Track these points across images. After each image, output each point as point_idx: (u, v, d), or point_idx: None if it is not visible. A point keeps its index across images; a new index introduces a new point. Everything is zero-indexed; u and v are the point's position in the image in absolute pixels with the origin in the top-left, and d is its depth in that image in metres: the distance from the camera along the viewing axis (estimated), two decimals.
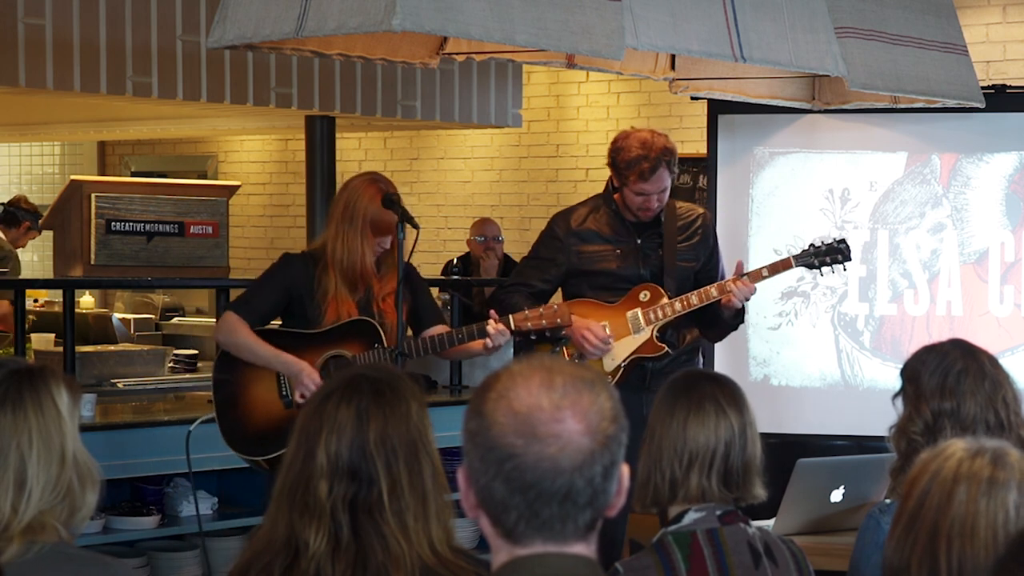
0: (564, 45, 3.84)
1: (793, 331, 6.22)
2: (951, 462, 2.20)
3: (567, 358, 5.04)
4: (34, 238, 9.40)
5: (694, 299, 5.01)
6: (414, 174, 11.02)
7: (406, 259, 4.60)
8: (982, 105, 5.21)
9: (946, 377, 3.28)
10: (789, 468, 4.26)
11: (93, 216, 6.68)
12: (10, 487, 2.48)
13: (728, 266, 5.25)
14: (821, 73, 4.89)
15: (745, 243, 6.16)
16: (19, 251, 9.38)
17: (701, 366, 5.52)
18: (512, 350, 7.02)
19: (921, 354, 3.36)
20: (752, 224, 6.26)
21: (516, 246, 9.62)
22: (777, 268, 5.11)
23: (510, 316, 4.65)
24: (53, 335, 7.37)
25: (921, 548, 2.17)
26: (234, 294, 5.77)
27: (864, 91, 4.85)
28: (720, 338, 5.39)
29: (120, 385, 6.40)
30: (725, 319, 5.08)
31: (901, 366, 3.42)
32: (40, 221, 8.60)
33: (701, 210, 5.31)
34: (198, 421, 5.03)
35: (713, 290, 5.00)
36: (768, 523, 4.18)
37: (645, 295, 5.05)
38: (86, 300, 9.35)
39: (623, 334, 5.03)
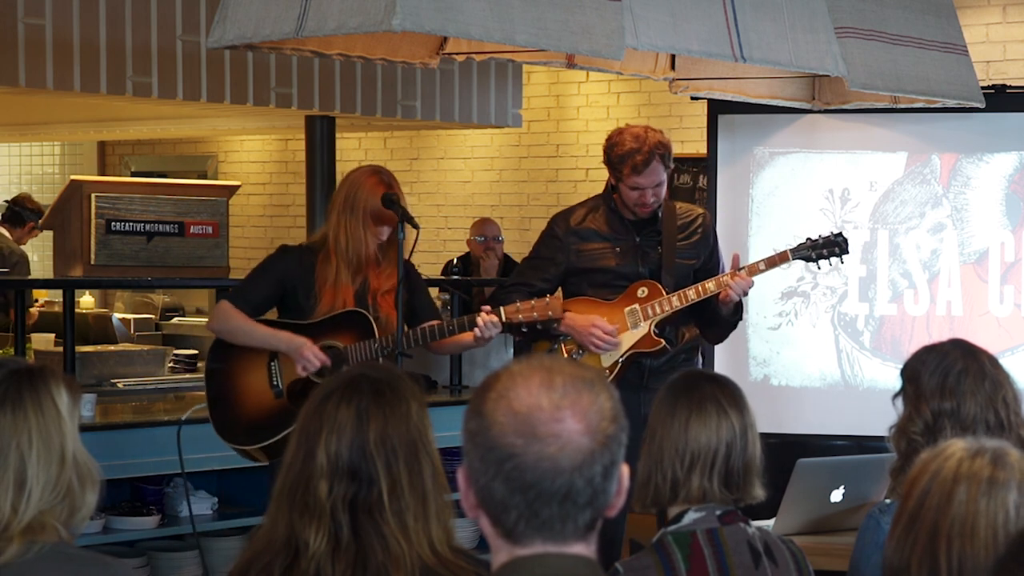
0: (564, 45, 3.84)
1: (793, 331, 6.22)
2: (951, 462, 2.20)
3: (565, 355, 5.05)
4: (35, 236, 9.40)
5: (691, 294, 5.01)
6: (414, 174, 11.02)
7: (406, 259, 4.61)
8: (982, 105, 5.21)
9: (946, 377, 3.28)
10: (789, 468, 4.26)
11: (93, 216, 6.68)
12: (10, 487, 2.48)
13: (726, 262, 5.26)
14: (821, 73, 4.89)
15: (745, 243, 6.16)
16: (27, 252, 9.39)
17: (700, 366, 5.52)
18: (512, 350, 7.04)
19: (921, 354, 3.36)
20: (752, 224, 6.26)
21: (516, 246, 9.62)
22: (774, 261, 5.11)
23: (501, 308, 4.65)
24: (53, 335, 7.37)
25: (921, 548, 2.17)
26: None
27: (864, 91, 4.85)
28: (720, 339, 5.38)
29: (120, 385, 6.40)
30: (723, 316, 5.07)
31: (901, 366, 3.42)
32: (41, 220, 8.60)
33: (701, 210, 5.32)
34: (189, 412, 5.04)
35: (711, 284, 5.00)
36: (768, 523, 4.18)
37: (643, 291, 5.06)
38: (86, 300, 9.36)
39: (621, 330, 5.05)
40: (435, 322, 4.73)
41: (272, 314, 4.78)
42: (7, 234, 9.05)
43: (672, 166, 5.09)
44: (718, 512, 2.96)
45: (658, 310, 5.02)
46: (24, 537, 2.47)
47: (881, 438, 3.43)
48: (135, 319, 8.32)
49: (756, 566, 2.96)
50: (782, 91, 5.51)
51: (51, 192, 11.18)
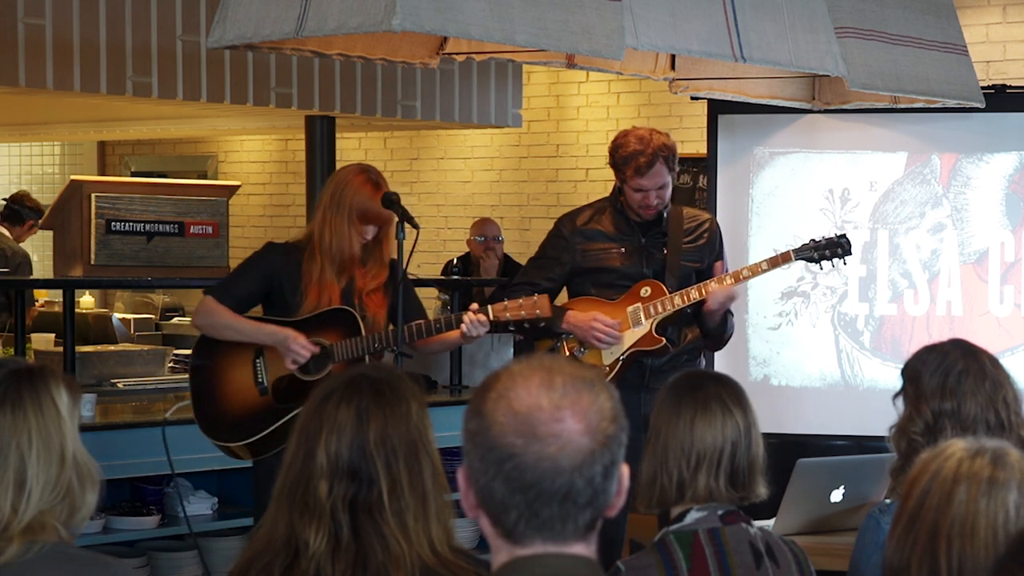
0: (564, 45, 3.84)
1: (793, 331, 6.22)
2: (951, 462, 2.20)
3: (567, 353, 5.07)
4: (35, 234, 9.39)
5: (694, 293, 5.02)
6: (414, 174, 11.02)
7: (406, 259, 4.60)
8: (982, 105, 5.21)
9: (947, 377, 3.28)
10: (789, 468, 4.26)
11: (93, 216, 6.67)
12: (10, 487, 2.48)
13: (730, 267, 5.27)
14: (821, 73, 4.89)
15: (745, 243, 6.16)
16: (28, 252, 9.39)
17: (703, 367, 5.51)
18: (512, 350, 7.04)
19: (921, 354, 3.36)
20: (752, 224, 6.26)
21: (516, 246, 9.62)
22: (776, 262, 5.12)
23: (488, 307, 4.65)
24: (53, 335, 7.37)
25: (921, 548, 2.17)
26: None
27: (864, 91, 4.85)
28: (716, 347, 5.37)
29: (120, 385, 6.39)
30: (709, 328, 5.08)
31: (901, 366, 3.42)
32: (40, 220, 8.60)
33: (709, 215, 5.35)
34: (172, 409, 5.03)
35: (712, 284, 5.02)
36: (768, 523, 4.18)
37: (646, 291, 5.08)
38: (86, 300, 9.35)
39: (623, 328, 5.06)
40: (421, 321, 4.71)
41: (257, 312, 4.77)
42: (7, 233, 9.05)
43: (677, 168, 5.10)
44: (720, 512, 2.96)
45: (660, 309, 5.03)
46: (24, 537, 2.47)
47: (881, 438, 3.43)
48: (135, 319, 8.32)
49: (757, 566, 2.96)
50: (782, 91, 5.51)
51: (51, 192, 11.18)
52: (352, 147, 11.14)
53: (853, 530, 3.63)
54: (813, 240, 5.18)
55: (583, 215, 5.22)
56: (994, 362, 3.34)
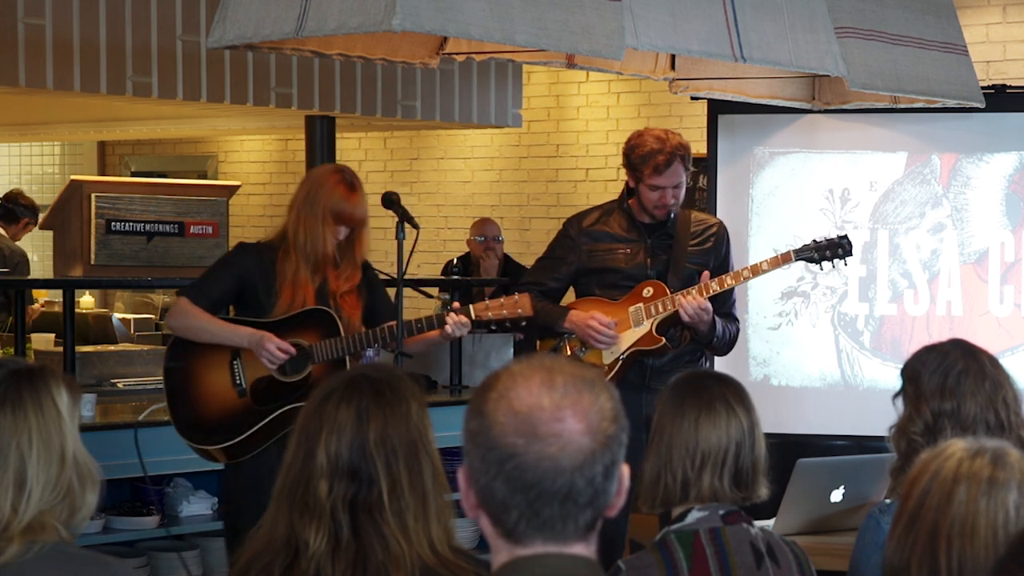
0: (564, 45, 3.84)
1: (793, 331, 6.22)
2: (951, 462, 2.20)
3: (569, 352, 5.08)
4: (30, 232, 9.38)
5: (695, 292, 5.03)
6: (414, 174, 11.02)
7: (406, 259, 4.60)
8: (982, 105, 5.21)
9: (946, 377, 3.28)
10: (789, 468, 4.26)
11: (93, 216, 6.67)
12: (10, 487, 2.48)
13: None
14: (821, 73, 4.89)
15: (745, 243, 6.16)
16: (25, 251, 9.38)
17: (704, 366, 5.51)
18: (512, 350, 7.04)
19: (921, 354, 3.36)
20: (752, 224, 6.26)
21: (516, 246, 9.62)
22: (777, 262, 5.14)
23: (470, 306, 4.65)
24: (53, 335, 7.37)
25: (921, 548, 2.17)
26: None
27: (864, 91, 4.85)
28: (715, 353, 5.36)
29: (120, 385, 6.39)
30: (697, 335, 5.07)
31: (901, 366, 3.42)
32: (41, 219, 8.59)
33: (717, 220, 5.35)
34: (146, 412, 5.01)
35: (714, 284, 5.02)
36: (768, 523, 4.18)
37: (648, 291, 5.10)
38: (86, 300, 9.34)
39: (624, 328, 5.08)
40: (392, 322, 4.69)
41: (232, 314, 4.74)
42: (3, 232, 9.04)
43: (691, 168, 5.14)
44: (721, 512, 2.96)
45: (660, 309, 5.04)
46: (24, 537, 2.47)
47: (881, 438, 3.43)
48: (135, 319, 8.32)
49: (758, 566, 2.96)
50: (782, 91, 5.51)
51: (51, 192, 11.18)
52: (352, 147, 11.14)
53: (853, 530, 3.63)
54: (815, 241, 5.19)
55: (590, 216, 5.26)
56: (994, 362, 3.34)
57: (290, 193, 4.95)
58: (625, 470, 1.87)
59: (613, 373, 5.05)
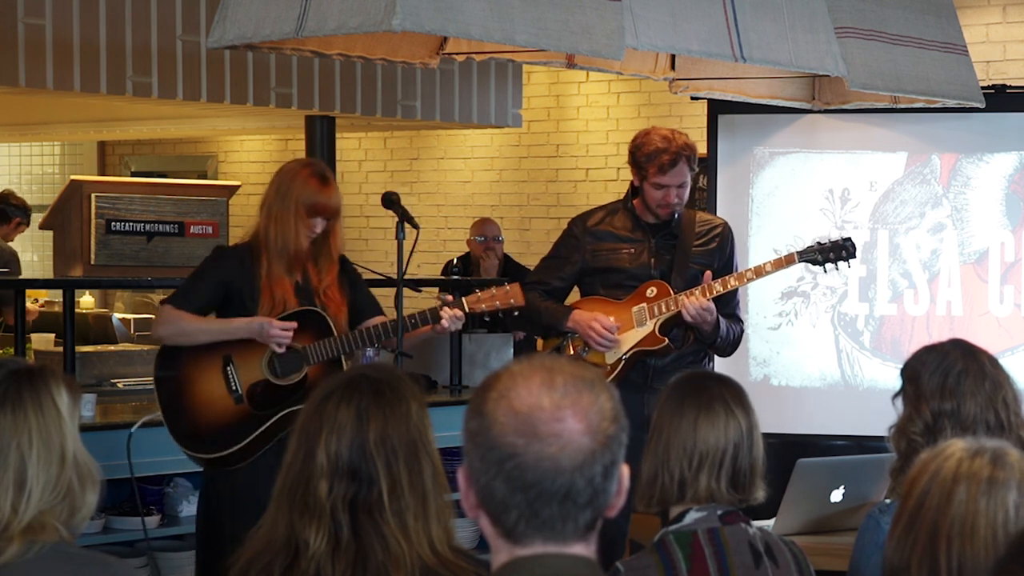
0: (564, 45, 3.84)
1: (793, 331, 6.22)
2: (951, 462, 2.20)
3: (572, 352, 5.08)
4: (23, 232, 9.36)
5: (698, 293, 5.03)
6: (414, 174, 11.02)
7: (406, 259, 4.59)
8: (982, 105, 5.21)
9: (946, 377, 3.28)
10: (789, 468, 4.26)
11: (93, 216, 6.67)
12: (10, 487, 2.48)
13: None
14: (821, 73, 4.89)
15: (745, 243, 6.16)
16: (17, 250, 9.37)
17: (707, 367, 5.51)
18: (512, 350, 7.04)
19: (921, 354, 3.36)
20: (752, 224, 6.26)
21: (516, 246, 9.62)
22: (781, 264, 5.14)
23: (463, 299, 4.64)
24: (53, 335, 7.37)
25: (921, 548, 2.17)
26: None
27: (864, 91, 4.85)
28: (718, 354, 5.37)
29: (120, 385, 6.39)
30: (700, 336, 5.08)
31: (901, 366, 3.42)
32: (41, 219, 8.59)
33: (722, 221, 5.35)
34: (139, 423, 4.99)
35: (717, 285, 5.03)
36: (768, 523, 4.18)
37: (652, 291, 5.10)
38: (86, 300, 9.35)
39: (627, 328, 5.08)
40: (384, 320, 4.67)
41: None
42: None
43: (696, 169, 5.15)
44: (719, 512, 2.96)
45: (664, 309, 5.05)
46: (24, 537, 2.47)
47: (881, 438, 3.43)
48: (135, 319, 8.31)
49: (757, 566, 2.96)
50: (782, 91, 5.51)
51: (51, 192, 11.18)
52: (352, 147, 11.15)
53: (853, 530, 3.63)
54: (818, 243, 5.20)
55: (595, 216, 5.27)
56: (994, 362, 3.34)
57: None
58: (625, 470, 1.87)
59: (616, 373, 5.05)
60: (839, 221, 6.14)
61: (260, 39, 3.94)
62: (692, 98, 6.44)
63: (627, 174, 5.32)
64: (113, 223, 6.70)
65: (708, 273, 5.09)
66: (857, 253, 5.23)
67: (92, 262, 6.66)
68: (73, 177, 7.25)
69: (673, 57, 5.28)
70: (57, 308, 8.13)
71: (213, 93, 7.50)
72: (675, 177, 5.06)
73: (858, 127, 6.15)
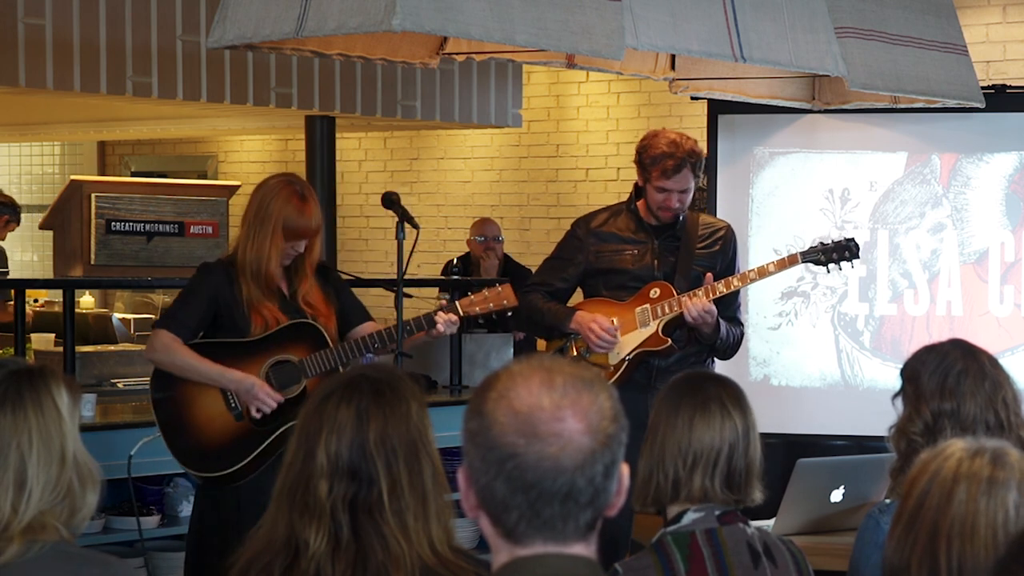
0: (564, 45, 3.84)
1: (793, 331, 6.23)
2: (951, 462, 2.20)
3: (575, 353, 5.09)
4: (13, 230, 9.35)
5: (700, 294, 5.04)
6: (414, 174, 11.02)
7: (406, 259, 4.59)
8: (982, 105, 5.21)
9: (946, 377, 3.28)
10: (789, 468, 4.26)
11: (93, 216, 6.67)
12: (10, 487, 2.48)
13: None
14: (821, 73, 4.89)
15: (745, 243, 6.16)
16: (8, 248, 9.37)
17: (710, 368, 5.51)
18: (512, 350, 7.04)
19: (921, 354, 3.36)
20: (752, 224, 6.26)
21: (516, 246, 9.62)
22: (784, 264, 5.15)
23: (457, 303, 4.64)
24: (53, 335, 7.37)
25: (921, 548, 2.17)
26: None
27: (864, 91, 4.85)
28: (720, 356, 5.37)
29: (120, 385, 6.39)
30: (700, 337, 5.08)
31: (901, 366, 3.42)
32: (41, 219, 8.59)
33: (725, 223, 5.35)
34: (141, 442, 4.98)
35: (720, 286, 5.04)
36: (768, 523, 4.18)
37: (655, 292, 5.11)
38: (86, 300, 9.35)
39: (630, 329, 5.09)
40: (374, 327, 4.62)
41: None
42: None
43: (701, 175, 5.15)
44: (717, 512, 2.96)
45: (667, 310, 5.06)
46: (24, 537, 2.47)
47: (881, 438, 3.43)
48: (135, 319, 8.32)
49: (755, 566, 2.96)
50: (782, 91, 5.51)
51: (51, 192, 11.18)
52: (352, 147, 11.15)
53: (853, 530, 3.63)
54: (821, 243, 5.20)
55: (598, 217, 5.28)
56: (993, 362, 3.33)
57: None
58: (625, 469, 1.87)
59: (619, 374, 5.06)
60: (839, 221, 6.15)
61: (260, 39, 3.94)
62: (692, 98, 6.44)
63: (627, 174, 5.33)
64: (113, 223, 6.71)
65: (709, 275, 5.09)
66: (860, 253, 5.23)
67: (92, 262, 6.66)
68: (73, 177, 7.25)
69: (673, 57, 5.28)
70: (57, 308, 8.13)
71: (213, 93, 7.51)
72: (678, 183, 5.06)
73: (858, 127, 6.15)
